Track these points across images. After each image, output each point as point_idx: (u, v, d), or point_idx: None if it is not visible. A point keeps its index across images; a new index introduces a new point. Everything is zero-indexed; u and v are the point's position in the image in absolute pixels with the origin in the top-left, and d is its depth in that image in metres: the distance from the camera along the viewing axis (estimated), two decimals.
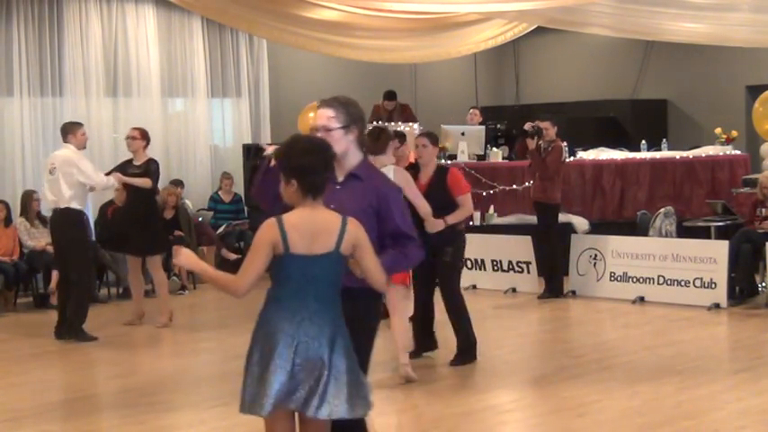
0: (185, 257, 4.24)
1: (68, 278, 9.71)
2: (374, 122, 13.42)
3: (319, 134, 4.44)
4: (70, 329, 9.57)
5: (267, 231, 4.09)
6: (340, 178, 4.50)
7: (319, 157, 4.14)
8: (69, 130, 9.82)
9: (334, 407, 4.05)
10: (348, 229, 4.13)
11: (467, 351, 8.13)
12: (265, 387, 4.10)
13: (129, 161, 10.19)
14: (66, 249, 9.64)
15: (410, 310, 8.09)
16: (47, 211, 12.30)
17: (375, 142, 7.66)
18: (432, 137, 8.37)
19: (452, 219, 7.91)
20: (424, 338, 8.32)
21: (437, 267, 7.98)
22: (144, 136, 10.18)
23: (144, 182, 9.93)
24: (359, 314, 4.33)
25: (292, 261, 4.08)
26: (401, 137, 8.70)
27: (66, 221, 9.62)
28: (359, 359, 4.22)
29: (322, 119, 4.51)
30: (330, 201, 4.25)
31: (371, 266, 4.19)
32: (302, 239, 4.08)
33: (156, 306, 10.37)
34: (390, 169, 7.47)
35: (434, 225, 7.75)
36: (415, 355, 8.06)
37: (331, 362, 4.08)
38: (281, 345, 4.09)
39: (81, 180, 9.58)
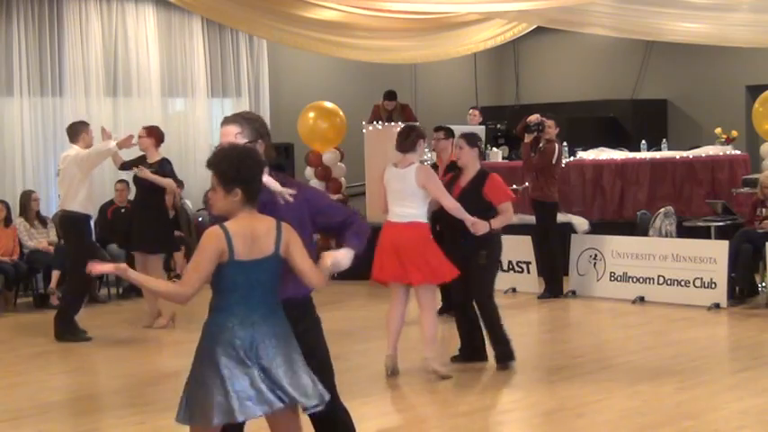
0: (117, 269, 4.29)
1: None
2: (374, 122, 13.43)
3: None
4: (59, 329, 9.56)
5: (214, 239, 4.14)
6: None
7: (258, 163, 4.25)
8: (78, 131, 9.79)
9: (298, 397, 4.17)
10: (283, 232, 4.23)
11: (504, 355, 7.94)
12: (233, 393, 4.11)
13: (143, 157, 10.15)
14: (67, 252, 9.65)
15: (437, 303, 7.94)
16: (45, 212, 12.35)
17: (404, 140, 7.64)
18: (470, 138, 7.97)
19: (497, 223, 7.68)
20: (469, 346, 8.11)
21: (471, 270, 7.74)
22: (151, 133, 10.13)
23: (168, 182, 9.90)
24: (310, 322, 4.53)
25: (239, 268, 4.15)
26: (447, 131, 8.90)
27: (66, 224, 9.64)
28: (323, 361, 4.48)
29: (229, 136, 4.51)
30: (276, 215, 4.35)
31: (306, 267, 4.27)
32: (245, 246, 4.16)
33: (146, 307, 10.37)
34: (413, 168, 7.48)
35: (479, 227, 7.53)
36: (459, 359, 8.05)
37: (290, 357, 4.20)
38: (242, 351, 4.14)
39: (106, 157, 9.62)
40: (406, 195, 7.49)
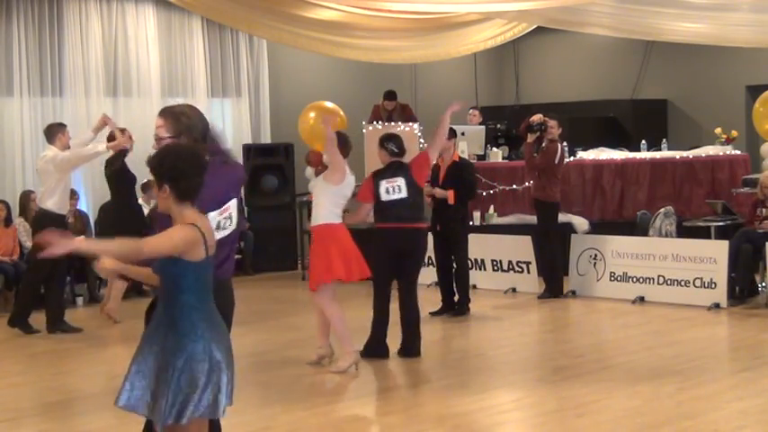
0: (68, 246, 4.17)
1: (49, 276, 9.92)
2: (374, 122, 13.43)
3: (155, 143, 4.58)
4: (13, 319, 9.91)
5: (193, 234, 4.15)
6: None
7: (185, 161, 4.21)
8: (54, 132, 9.95)
9: None
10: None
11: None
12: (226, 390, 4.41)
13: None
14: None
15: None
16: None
17: (343, 147, 8.12)
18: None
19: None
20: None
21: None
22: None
23: (116, 144, 10.09)
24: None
25: (208, 266, 4.23)
26: (450, 132, 9.31)
27: (45, 220, 9.58)
28: None
29: (156, 128, 4.63)
30: None
31: None
32: (211, 244, 4.23)
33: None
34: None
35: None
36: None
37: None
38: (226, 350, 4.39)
39: (67, 157, 9.72)
40: (318, 198, 8.14)
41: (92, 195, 13.24)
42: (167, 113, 4.64)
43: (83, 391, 7.80)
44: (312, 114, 14.13)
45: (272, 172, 14.22)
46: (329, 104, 14.24)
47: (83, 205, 12.92)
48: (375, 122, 13.42)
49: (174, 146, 4.38)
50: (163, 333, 4.22)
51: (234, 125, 14.94)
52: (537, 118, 11.16)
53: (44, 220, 9.59)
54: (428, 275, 11.02)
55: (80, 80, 13.23)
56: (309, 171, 14.18)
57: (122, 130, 10.28)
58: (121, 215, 10.49)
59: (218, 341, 4.25)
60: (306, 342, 9.25)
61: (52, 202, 9.66)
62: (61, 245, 4.02)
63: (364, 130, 13.28)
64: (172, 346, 4.17)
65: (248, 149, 14.19)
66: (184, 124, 4.58)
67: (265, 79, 15.04)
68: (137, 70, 13.75)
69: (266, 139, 14.95)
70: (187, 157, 4.21)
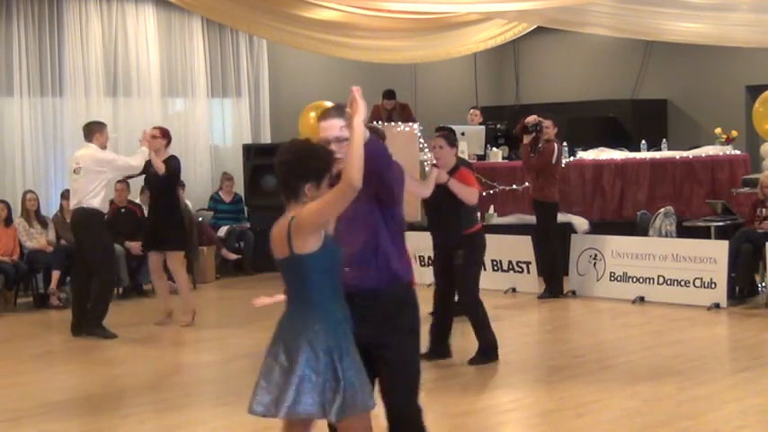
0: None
1: (87, 276, 9.70)
2: (374, 122, 13.44)
3: (333, 146, 4.34)
4: (89, 324, 9.59)
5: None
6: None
7: (284, 161, 4.19)
8: (95, 130, 9.83)
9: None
10: (292, 229, 4.13)
11: (485, 356, 8.09)
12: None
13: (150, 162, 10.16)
14: (90, 248, 9.64)
15: None
16: (45, 212, 12.35)
17: None
18: (449, 138, 8.15)
19: (455, 185, 7.87)
20: (437, 344, 8.18)
21: (453, 269, 8.06)
22: (165, 135, 10.15)
23: (160, 167, 9.86)
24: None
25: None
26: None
27: (88, 221, 9.63)
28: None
29: (333, 130, 4.39)
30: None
31: (321, 209, 4.11)
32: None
33: (176, 305, 10.33)
34: None
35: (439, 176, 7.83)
36: (427, 357, 7.96)
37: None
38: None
39: (124, 173, 9.83)
40: None
41: None
42: (345, 112, 4.42)
43: (83, 392, 7.80)
44: (312, 114, 14.15)
45: (272, 172, 14.10)
46: (329, 104, 14.24)
47: None
48: (375, 122, 13.42)
49: (301, 144, 4.27)
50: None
51: (234, 125, 14.95)
52: (532, 119, 11.17)
53: (88, 218, 9.58)
54: (428, 275, 11.00)
55: (80, 80, 13.23)
56: None
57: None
58: (175, 214, 10.26)
59: None
60: None
61: (97, 199, 9.60)
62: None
63: None
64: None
65: (248, 149, 14.19)
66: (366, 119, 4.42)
67: (265, 79, 15.04)
68: (137, 70, 13.75)
69: (266, 139, 14.95)
70: (321, 152, 4.18)
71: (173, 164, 9.98)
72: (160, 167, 9.86)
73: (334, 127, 4.38)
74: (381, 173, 4.28)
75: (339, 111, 4.44)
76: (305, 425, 4.28)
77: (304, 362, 4.07)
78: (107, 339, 9.47)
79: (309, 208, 4.09)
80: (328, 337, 4.11)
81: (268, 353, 4.22)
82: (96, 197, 9.60)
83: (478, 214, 12.57)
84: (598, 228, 12.21)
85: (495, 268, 11.79)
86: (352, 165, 3.98)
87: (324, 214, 4.07)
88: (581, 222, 12.36)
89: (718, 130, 13.55)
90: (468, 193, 8.00)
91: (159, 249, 10.15)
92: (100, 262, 9.64)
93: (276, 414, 4.13)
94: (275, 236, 4.19)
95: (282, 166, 4.20)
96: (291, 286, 4.24)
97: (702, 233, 11.52)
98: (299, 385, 4.06)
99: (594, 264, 11.27)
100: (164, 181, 9.97)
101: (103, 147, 9.82)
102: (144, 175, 10.43)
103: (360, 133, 4.08)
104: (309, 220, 4.06)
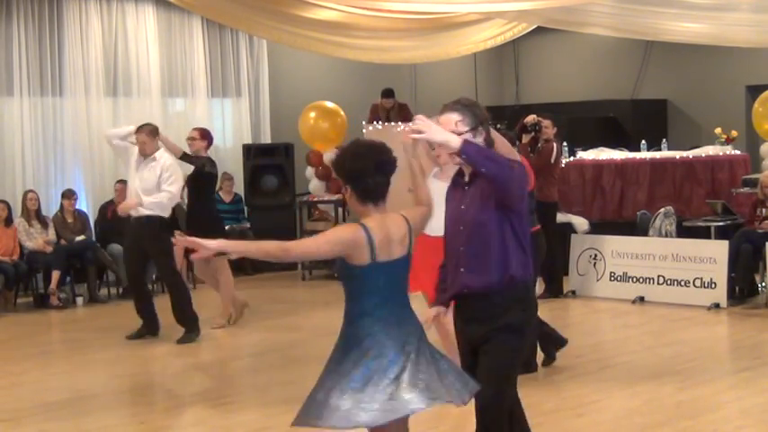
0: (218, 244, 4.11)
1: (143, 279, 9.70)
2: (374, 122, 13.44)
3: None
4: (185, 323, 9.48)
5: (352, 235, 4.04)
6: (467, 179, 4.44)
7: (367, 159, 4.09)
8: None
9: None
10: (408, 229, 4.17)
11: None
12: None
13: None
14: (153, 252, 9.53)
15: None
16: (46, 212, 12.34)
17: None
18: None
19: None
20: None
21: None
22: (204, 136, 10.02)
23: (176, 150, 9.70)
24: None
25: (378, 271, 4.10)
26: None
27: (149, 225, 9.48)
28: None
29: (449, 124, 4.31)
30: (461, 203, 4.27)
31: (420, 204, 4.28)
32: (384, 246, 4.09)
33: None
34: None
35: None
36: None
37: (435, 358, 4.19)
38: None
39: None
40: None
41: (92, 195, 13.25)
42: (460, 107, 4.37)
43: (83, 391, 7.80)
44: (312, 114, 14.16)
45: (272, 172, 14.22)
46: (329, 104, 14.26)
47: (83, 205, 12.92)
48: (375, 122, 13.43)
49: (352, 145, 4.21)
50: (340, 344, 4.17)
51: (234, 125, 14.95)
52: (531, 119, 11.16)
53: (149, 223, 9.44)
54: None
55: (80, 80, 13.23)
56: (310, 171, 14.20)
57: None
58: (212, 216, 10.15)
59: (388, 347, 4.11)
60: (306, 342, 9.26)
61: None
62: (209, 246, 3.98)
63: (364, 130, 13.29)
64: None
65: (248, 149, 14.20)
66: (482, 116, 4.39)
67: (265, 79, 15.04)
68: (137, 70, 13.75)
69: (266, 139, 14.95)
70: (364, 156, 4.10)
71: (199, 163, 9.79)
72: (176, 151, 9.69)
73: (450, 121, 4.34)
74: (506, 189, 4.27)
75: (456, 105, 4.41)
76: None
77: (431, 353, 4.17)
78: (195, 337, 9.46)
79: (415, 214, 4.24)
80: (422, 334, 4.23)
81: (394, 361, 4.10)
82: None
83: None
84: (598, 228, 12.20)
85: None
86: (419, 189, 4.24)
87: (423, 224, 4.31)
88: (581, 222, 12.36)
89: (718, 130, 13.55)
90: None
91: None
92: (165, 268, 9.66)
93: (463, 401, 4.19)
94: (394, 235, 4.12)
95: (385, 166, 4.11)
96: (400, 287, 4.20)
97: (702, 233, 11.52)
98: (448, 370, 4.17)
99: (594, 264, 11.27)
100: (198, 181, 9.85)
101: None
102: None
103: (413, 166, 4.25)
104: (418, 225, 4.24)
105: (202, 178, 9.87)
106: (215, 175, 10.11)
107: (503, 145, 7.31)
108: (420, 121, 4.13)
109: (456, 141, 4.13)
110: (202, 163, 9.79)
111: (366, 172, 4.07)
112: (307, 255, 4.17)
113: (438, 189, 7.36)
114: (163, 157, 9.46)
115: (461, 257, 4.36)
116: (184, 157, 9.83)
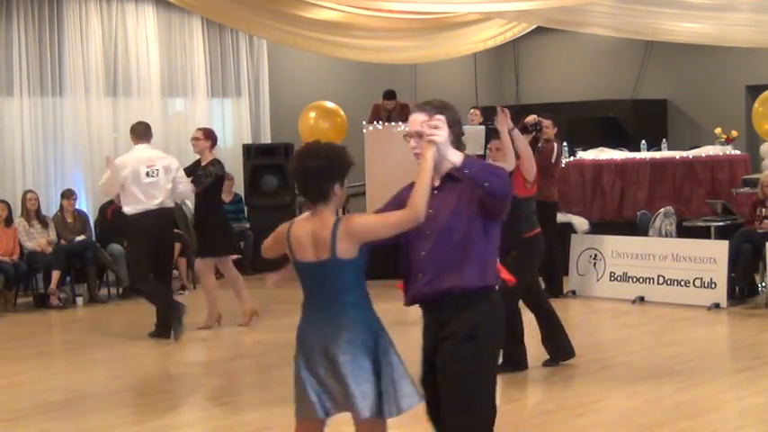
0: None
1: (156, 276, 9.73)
2: (374, 122, 13.44)
3: (412, 140, 4.27)
4: (171, 325, 9.48)
5: (281, 227, 4.30)
6: (437, 183, 4.29)
7: (297, 162, 4.18)
8: (150, 128, 9.88)
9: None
10: (338, 233, 4.11)
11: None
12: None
13: (198, 162, 10.00)
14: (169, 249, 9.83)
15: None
16: (46, 212, 12.34)
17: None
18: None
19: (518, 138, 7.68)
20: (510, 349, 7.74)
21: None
22: (208, 136, 10.00)
23: (188, 192, 9.93)
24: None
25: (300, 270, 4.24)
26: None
27: (171, 219, 9.77)
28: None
29: (416, 124, 4.29)
30: (429, 207, 4.14)
31: (379, 228, 4.13)
32: (298, 247, 4.18)
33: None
34: None
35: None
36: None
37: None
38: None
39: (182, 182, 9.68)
40: None
41: (92, 195, 13.25)
42: (429, 108, 4.29)
43: (83, 391, 7.79)
44: (312, 114, 14.16)
45: (272, 172, 14.22)
46: (329, 104, 14.25)
47: (83, 205, 12.92)
48: (375, 122, 13.42)
49: (307, 146, 4.27)
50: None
51: (234, 125, 14.95)
52: (531, 119, 11.15)
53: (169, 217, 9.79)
54: None
55: (80, 80, 13.24)
56: None
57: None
58: (220, 218, 10.14)
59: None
60: None
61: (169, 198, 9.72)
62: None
63: (364, 130, 13.29)
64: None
65: (248, 149, 14.20)
66: (450, 118, 4.28)
67: (265, 79, 15.05)
68: (137, 70, 13.75)
69: (266, 139, 14.95)
70: (292, 160, 4.22)
71: (208, 171, 9.82)
72: (188, 193, 9.92)
73: (415, 122, 4.30)
74: (503, 202, 4.21)
75: (425, 106, 4.36)
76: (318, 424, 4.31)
77: (347, 363, 4.10)
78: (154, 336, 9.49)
79: (364, 221, 4.13)
80: (364, 337, 4.14)
81: (302, 365, 4.27)
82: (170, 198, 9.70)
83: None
84: (598, 228, 12.20)
85: None
86: (419, 197, 4.01)
87: (379, 233, 4.10)
88: (581, 222, 12.36)
89: (718, 130, 13.55)
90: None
91: (209, 256, 9.95)
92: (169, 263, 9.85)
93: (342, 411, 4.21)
94: (306, 238, 4.16)
95: (315, 171, 4.14)
96: (321, 290, 4.19)
97: (702, 233, 11.52)
98: (355, 384, 4.10)
99: (594, 264, 11.27)
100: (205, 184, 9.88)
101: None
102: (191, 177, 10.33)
103: (428, 167, 4.06)
104: (363, 233, 4.09)
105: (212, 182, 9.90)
106: (222, 177, 10.11)
107: (525, 149, 7.20)
108: (441, 123, 4.11)
109: (458, 157, 4.13)
110: (209, 172, 9.84)
111: (293, 175, 4.24)
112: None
113: None
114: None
115: (423, 263, 4.23)
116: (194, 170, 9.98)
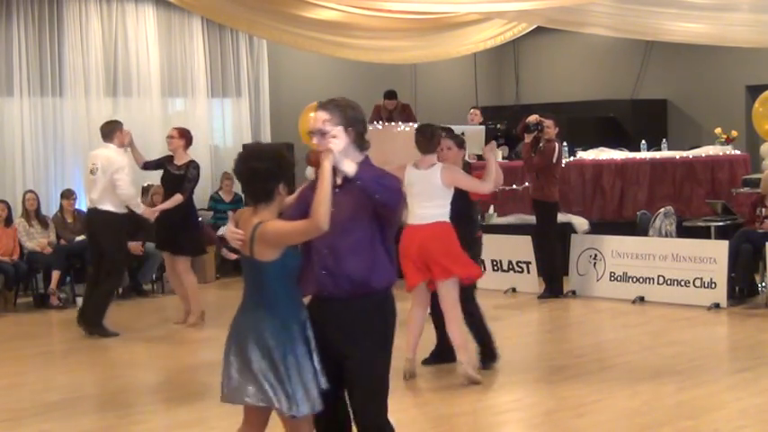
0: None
1: (98, 273, 9.72)
2: (375, 122, 13.43)
3: (315, 138, 4.37)
4: (89, 322, 9.59)
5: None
6: (338, 182, 4.38)
7: (241, 165, 4.35)
8: (116, 129, 9.82)
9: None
10: (255, 236, 4.30)
11: (485, 356, 7.98)
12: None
13: (170, 158, 10.10)
14: (104, 248, 9.69)
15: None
16: (46, 212, 12.34)
17: (429, 141, 7.49)
18: (457, 139, 7.94)
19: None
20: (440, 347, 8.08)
21: None
22: (182, 135, 10.07)
23: (176, 200, 9.87)
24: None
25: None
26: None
27: (102, 222, 9.64)
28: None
29: (316, 122, 4.40)
30: (332, 206, 4.22)
31: (291, 234, 4.29)
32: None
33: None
34: (437, 168, 7.40)
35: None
36: (430, 361, 7.99)
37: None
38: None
39: (118, 185, 9.57)
40: (430, 196, 7.37)
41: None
42: (331, 106, 4.39)
43: (83, 391, 7.80)
44: (312, 115, 14.13)
45: None
46: None
47: (82, 205, 12.91)
48: (375, 122, 13.42)
49: (273, 148, 4.48)
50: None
51: (234, 125, 14.96)
52: (533, 118, 11.18)
53: (103, 220, 9.62)
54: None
55: (80, 80, 13.24)
56: (309, 171, 14.17)
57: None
58: (188, 218, 10.17)
59: None
60: None
61: (111, 203, 9.61)
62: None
63: None
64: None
65: None
66: (353, 117, 4.38)
67: (265, 79, 15.05)
68: (137, 70, 13.76)
69: (266, 139, 14.94)
70: (243, 160, 4.36)
71: (190, 175, 9.90)
72: (176, 202, 9.86)
73: (317, 120, 4.41)
74: (393, 212, 4.42)
75: (326, 104, 4.44)
76: (260, 415, 4.63)
77: (254, 356, 4.31)
78: (108, 338, 9.47)
79: (276, 227, 4.28)
80: (273, 337, 4.30)
81: (227, 345, 4.45)
82: (110, 200, 9.60)
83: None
84: (598, 228, 12.21)
85: (495, 268, 11.80)
86: (319, 207, 4.14)
87: (288, 240, 4.31)
88: (581, 222, 12.36)
89: (718, 130, 13.56)
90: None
91: (168, 251, 10.14)
92: (112, 263, 9.68)
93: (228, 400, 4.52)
94: (239, 226, 4.40)
95: (262, 172, 4.32)
96: (248, 283, 4.45)
97: (702, 233, 11.52)
98: (249, 376, 4.34)
99: (594, 264, 11.27)
100: (179, 182, 9.92)
101: (122, 146, 9.83)
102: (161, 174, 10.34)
103: (326, 178, 4.19)
104: (274, 239, 4.28)
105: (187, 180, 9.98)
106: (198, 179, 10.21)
107: (498, 175, 7.29)
108: (338, 132, 4.33)
109: (351, 168, 4.30)
110: (191, 177, 9.95)
111: (238, 177, 4.43)
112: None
113: (417, 177, 7.44)
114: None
115: (325, 259, 4.36)
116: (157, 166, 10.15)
